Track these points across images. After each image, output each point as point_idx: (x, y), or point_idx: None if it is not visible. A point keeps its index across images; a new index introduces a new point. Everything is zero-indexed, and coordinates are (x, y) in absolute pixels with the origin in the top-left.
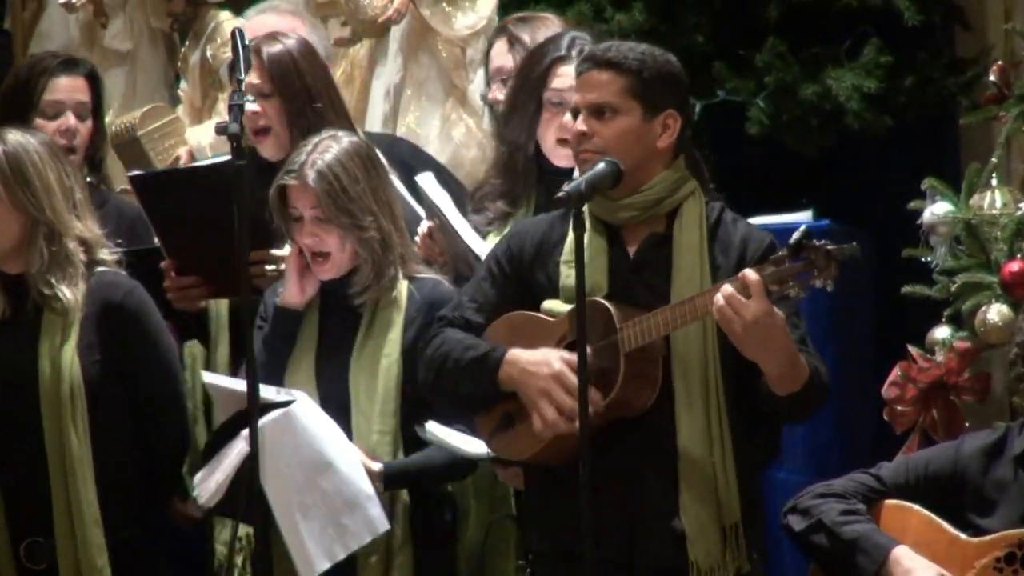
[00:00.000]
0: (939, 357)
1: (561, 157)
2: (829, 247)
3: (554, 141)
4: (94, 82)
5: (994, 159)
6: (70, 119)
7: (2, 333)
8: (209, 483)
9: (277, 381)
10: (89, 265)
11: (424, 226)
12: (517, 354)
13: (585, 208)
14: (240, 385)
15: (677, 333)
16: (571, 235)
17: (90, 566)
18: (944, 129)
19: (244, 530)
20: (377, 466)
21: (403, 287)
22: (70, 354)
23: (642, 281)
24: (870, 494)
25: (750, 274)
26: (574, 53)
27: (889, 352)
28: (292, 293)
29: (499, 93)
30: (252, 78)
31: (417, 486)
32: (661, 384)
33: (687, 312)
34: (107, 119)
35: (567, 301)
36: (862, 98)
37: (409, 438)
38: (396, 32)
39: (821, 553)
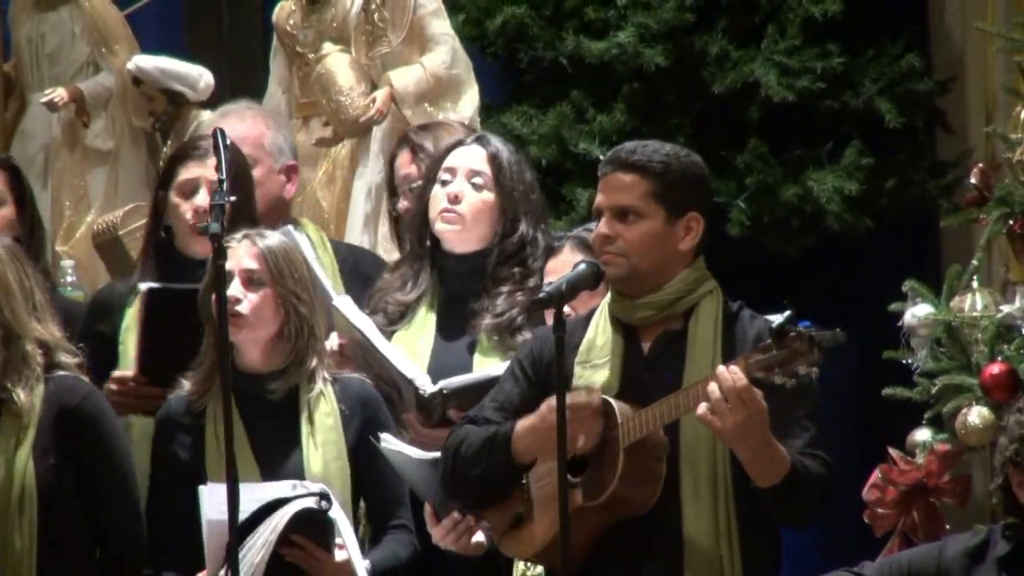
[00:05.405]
0: (920, 459)
1: (441, 229)
2: (812, 333)
3: (437, 212)
4: (9, 171)
5: (975, 261)
6: None
7: None
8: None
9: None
10: (48, 368)
11: (334, 342)
12: (526, 420)
13: (606, 308)
14: (250, 490)
15: (686, 426)
16: (587, 337)
17: None
18: (925, 231)
19: None
20: (365, 563)
21: (327, 388)
22: (24, 458)
23: (655, 378)
24: None
25: (737, 372)
26: (470, 140)
27: (870, 453)
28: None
29: (407, 202)
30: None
31: None
32: (667, 482)
33: (681, 403)
34: (88, 218)
35: None
36: (843, 200)
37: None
38: (378, 132)
39: None
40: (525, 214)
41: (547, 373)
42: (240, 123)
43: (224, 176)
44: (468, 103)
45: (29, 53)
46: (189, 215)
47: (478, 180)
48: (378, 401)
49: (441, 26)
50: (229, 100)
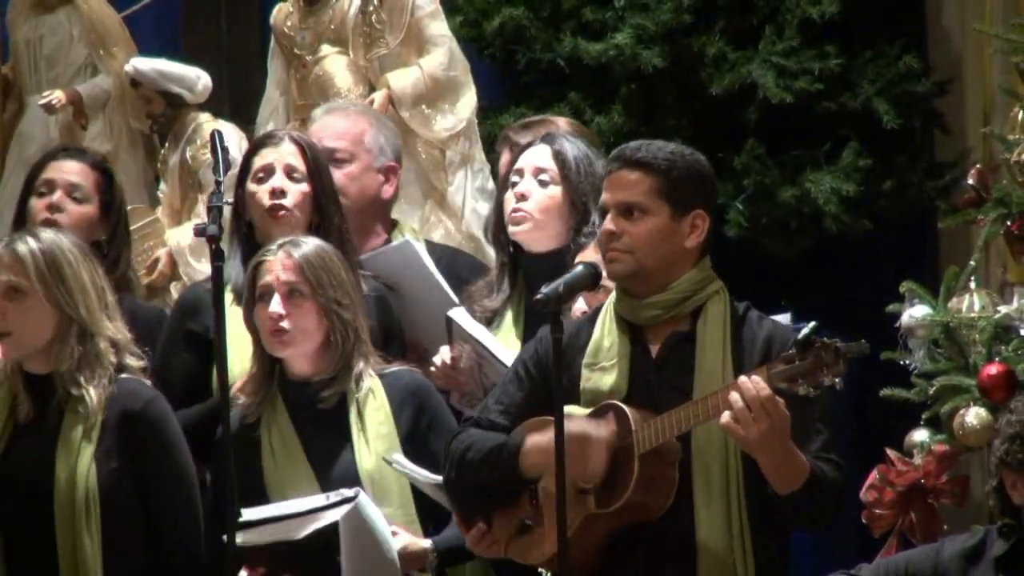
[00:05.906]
0: (917, 460)
1: (513, 231)
2: (838, 344)
3: (508, 215)
4: (101, 173)
5: (972, 262)
6: (55, 196)
7: (25, 436)
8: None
9: (261, 495)
10: (116, 369)
11: (446, 354)
12: (537, 436)
13: (611, 308)
14: (285, 507)
15: (698, 430)
16: (594, 338)
17: None
18: (922, 232)
19: None
20: (427, 543)
21: (375, 383)
22: (87, 460)
23: (664, 381)
24: None
25: (760, 383)
26: (540, 140)
27: (868, 454)
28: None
29: None
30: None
31: (459, 561)
32: (679, 486)
33: (700, 412)
34: None
35: (586, 405)
36: (841, 201)
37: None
38: None
39: None
40: (597, 206)
41: (551, 373)
42: (343, 119)
43: (221, 179)
44: (466, 105)
45: (27, 55)
46: (266, 198)
47: (544, 177)
48: (428, 389)
49: (439, 28)
50: (227, 102)
